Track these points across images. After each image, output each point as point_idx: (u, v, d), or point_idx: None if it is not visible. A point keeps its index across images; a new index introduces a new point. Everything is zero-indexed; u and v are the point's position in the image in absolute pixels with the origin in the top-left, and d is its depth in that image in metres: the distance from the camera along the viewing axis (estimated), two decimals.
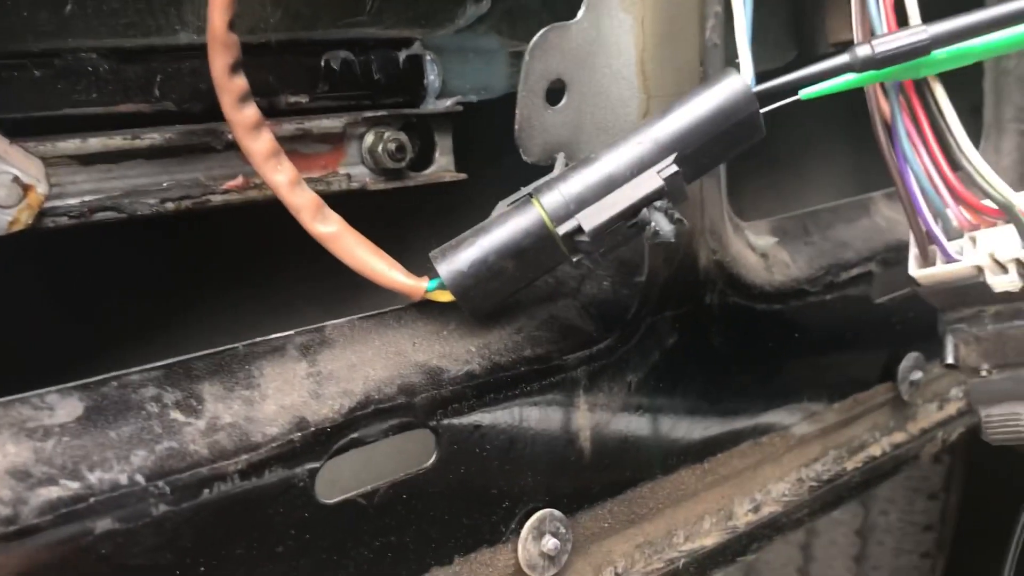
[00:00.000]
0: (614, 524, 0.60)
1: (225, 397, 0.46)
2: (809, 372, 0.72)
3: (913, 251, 0.58)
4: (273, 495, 0.45)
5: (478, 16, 0.61)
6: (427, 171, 0.61)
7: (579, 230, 0.49)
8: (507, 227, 0.50)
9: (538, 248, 0.50)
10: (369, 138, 0.58)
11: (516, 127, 0.53)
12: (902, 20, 0.52)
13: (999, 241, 0.54)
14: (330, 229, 0.50)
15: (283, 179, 0.48)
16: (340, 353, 0.50)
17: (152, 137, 0.50)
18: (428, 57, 0.60)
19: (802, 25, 0.83)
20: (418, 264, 0.52)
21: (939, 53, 0.49)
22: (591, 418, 0.57)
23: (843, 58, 0.49)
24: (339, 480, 0.50)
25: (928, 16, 0.50)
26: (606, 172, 0.49)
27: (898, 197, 0.55)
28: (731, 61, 0.51)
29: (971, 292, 0.56)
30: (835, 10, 0.78)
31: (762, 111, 0.50)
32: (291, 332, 0.49)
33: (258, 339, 0.48)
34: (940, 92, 0.52)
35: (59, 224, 0.48)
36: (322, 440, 0.47)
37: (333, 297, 0.64)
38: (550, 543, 0.56)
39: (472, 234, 0.51)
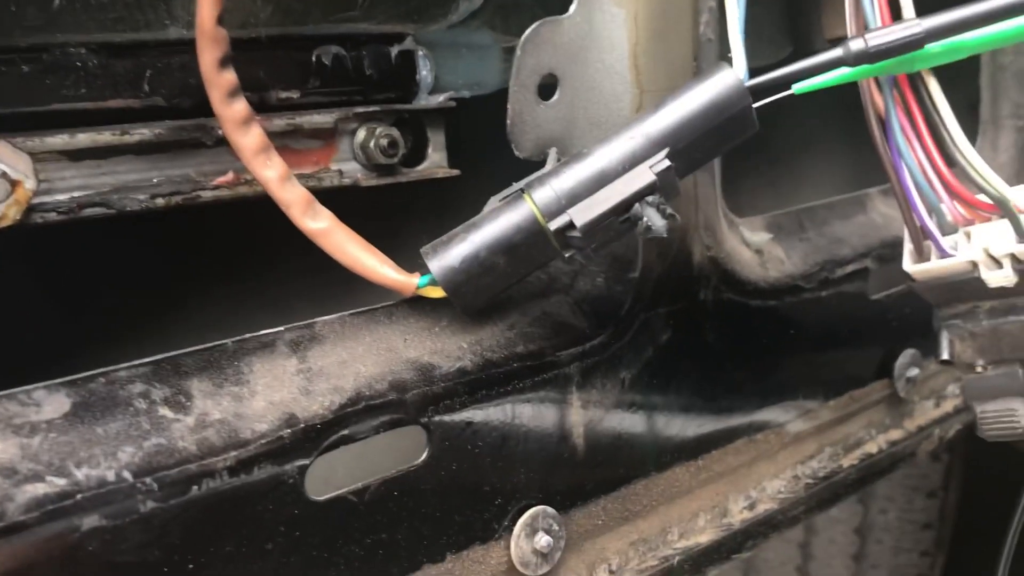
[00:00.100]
0: (608, 521, 0.60)
1: (214, 393, 0.45)
2: (804, 369, 0.72)
3: (908, 246, 0.58)
4: (262, 492, 0.45)
5: (471, 11, 0.60)
6: (420, 167, 0.61)
7: (571, 225, 0.49)
8: (498, 223, 0.50)
9: (530, 244, 0.50)
10: (361, 134, 0.58)
11: (508, 122, 0.53)
12: (896, 14, 0.52)
13: (994, 236, 0.53)
14: (320, 225, 0.49)
15: (273, 174, 0.48)
16: (330, 349, 0.49)
17: (141, 133, 0.50)
18: (420, 52, 0.60)
19: (798, 20, 0.82)
20: (411, 260, 0.52)
21: (933, 47, 0.49)
22: (584, 415, 0.57)
23: (836, 52, 0.49)
24: (332, 478, 0.50)
25: (923, 10, 0.50)
26: (598, 167, 0.49)
27: (892, 192, 0.55)
28: (725, 56, 0.51)
29: (966, 287, 0.56)
30: (831, 5, 0.77)
31: (755, 105, 0.50)
32: (281, 328, 0.49)
33: (247, 335, 0.48)
34: (934, 86, 0.52)
35: (48, 220, 0.48)
36: (312, 437, 0.46)
37: (325, 293, 0.64)
38: (543, 540, 0.55)
39: (463, 230, 0.51)
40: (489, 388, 0.53)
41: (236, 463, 0.44)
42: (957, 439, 0.86)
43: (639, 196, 0.48)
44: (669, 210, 0.48)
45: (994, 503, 1.14)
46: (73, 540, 0.40)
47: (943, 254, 0.55)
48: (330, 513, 0.47)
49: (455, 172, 0.62)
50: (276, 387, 0.47)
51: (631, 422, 0.60)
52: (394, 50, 0.59)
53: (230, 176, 0.53)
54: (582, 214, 0.48)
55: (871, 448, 0.78)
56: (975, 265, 0.54)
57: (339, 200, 0.53)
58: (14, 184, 0.46)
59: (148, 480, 0.42)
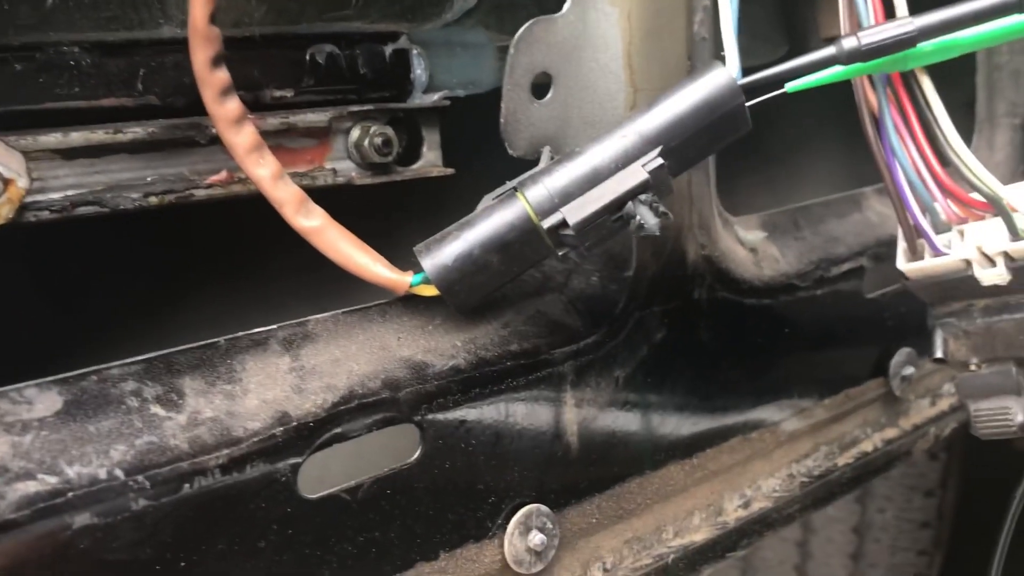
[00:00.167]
0: (602, 520, 0.60)
1: (206, 391, 0.45)
2: (799, 368, 0.72)
3: (901, 245, 0.58)
4: (255, 490, 0.45)
5: (465, 10, 0.60)
6: (414, 166, 0.61)
7: (564, 224, 0.49)
8: (492, 221, 0.50)
9: (523, 242, 0.50)
10: (355, 132, 0.58)
11: (502, 121, 0.53)
12: (890, 13, 0.52)
13: (987, 234, 0.53)
14: (313, 223, 0.49)
15: (265, 173, 0.48)
16: (323, 348, 0.49)
17: (135, 131, 0.50)
18: (415, 51, 0.60)
19: (794, 19, 0.82)
20: (406, 259, 0.52)
21: (926, 45, 0.49)
22: (578, 413, 0.57)
23: (829, 50, 0.49)
24: (327, 476, 0.50)
25: (917, 9, 0.50)
26: (591, 165, 0.49)
27: (886, 191, 0.55)
28: (720, 55, 0.51)
29: (960, 286, 0.56)
30: (826, 4, 0.77)
31: (748, 104, 0.50)
32: (274, 326, 0.49)
33: (240, 333, 0.48)
34: (928, 85, 0.52)
35: (41, 219, 0.48)
36: (304, 435, 0.46)
37: (319, 291, 0.64)
38: (537, 538, 0.55)
39: (457, 228, 0.51)
40: (483, 386, 0.53)
41: (228, 461, 0.44)
42: (953, 438, 0.86)
43: (632, 194, 0.48)
44: (662, 208, 0.48)
45: (992, 502, 1.13)
46: (65, 538, 0.40)
47: (937, 252, 0.55)
48: (323, 511, 0.47)
49: (450, 171, 0.62)
50: (269, 385, 0.47)
51: (625, 420, 0.60)
52: (388, 49, 0.59)
53: (224, 175, 0.53)
54: (575, 212, 0.48)
55: (867, 447, 0.78)
56: (969, 263, 0.54)
57: (334, 199, 0.53)
58: (7, 183, 0.46)
59: (140, 478, 0.42)
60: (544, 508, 0.56)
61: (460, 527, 0.53)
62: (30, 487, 0.39)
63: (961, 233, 0.55)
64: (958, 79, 0.88)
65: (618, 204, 0.48)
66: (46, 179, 0.48)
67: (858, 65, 0.49)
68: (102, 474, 0.41)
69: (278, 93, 0.55)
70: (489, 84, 0.64)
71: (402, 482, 0.50)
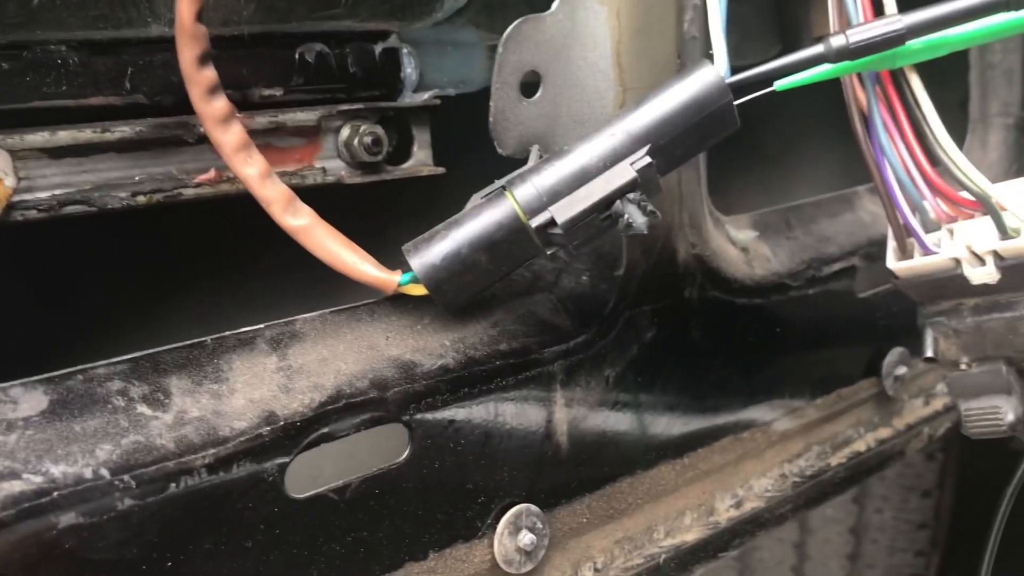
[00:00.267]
0: (592, 519, 0.60)
1: (193, 391, 0.45)
2: (791, 367, 0.72)
3: (891, 244, 0.58)
4: (241, 490, 0.45)
5: (456, 9, 0.60)
6: (405, 165, 0.61)
7: (552, 223, 0.49)
8: (480, 220, 0.50)
9: (511, 241, 0.50)
10: (345, 131, 0.58)
11: (491, 120, 0.53)
12: (879, 11, 0.52)
13: (976, 233, 0.53)
14: (301, 222, 0.49)
15: (253, 172, 0.48)
16: (311, 347, 0.49)
17: (123, 130, 0.50)
18: (405, 50, 0.60)
19: (786, 19, 0.82)
20: (397, 258, 0.52)
21: (914, 43, 0.49)
22: (568, 413, 0.57)
23: (817, 48, 0.49)
24: (320, 477, 0.50)
25: (906, 7, 0.50)
26: (579, 164, 0.49)
27: (875, 189, 0.55)
28: (709, 54, 0.51)
29: (950, 285, 0.56)
30: (818, 3, 0.77)
31: (737, 103, 0.50)
32: (261, 326, 0.49)
33: (227, 332, 0.48)
34: (917, 83, 0.52)
35: (28, 218, 0.48)
36: (292, 434, 0.46)
37: (309, 290, 0.64)
38: (527, 538, 0.55)
39: (445, 227, 0.50)
40: (472, 386, 0.53)
41: (215, 461, 0.44)
42: (949, 438, 0.86)
43: (620, 193, 0.48)
44: (650, 207, 0.48)
45: (989, 503, 1.13)
46: (50, 538, 0.39)
47: (926, 251, 0.55)
48: (310, 511, 0.47)
49: (440, 170, 0.62)
50: (256, 384, 0.47)
51: (616, 420, 0.60)
52: (378, 48, 0.59)
53: (212, 174, 0.53)
54: (563, 211, 0.48)
55: (859, 446, 0.78)
56: (958, 262, 0.54)
57: (324, 198, 0.53)
58: None
59: (126, 477, 0.41)
60: (534, 508, 0.56)
61: (449, 527, 0.53)
62: (15, 487, 0.39)
63: (951, 232, 0.55)
64: (951, 78, 0.88)
65: (606, 203, 0.48)
66: (33, 178, 0.48)
67: (846, 63, 0.49)
68: (88, 473, 0.41)
69: (267, 92, 0.55)
70: (480, 83, 0.64)
71: (390, 482, 0.50)
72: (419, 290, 0.51)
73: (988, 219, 0.53)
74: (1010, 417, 0.56)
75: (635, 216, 0.48)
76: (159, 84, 0.51)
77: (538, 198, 0.49)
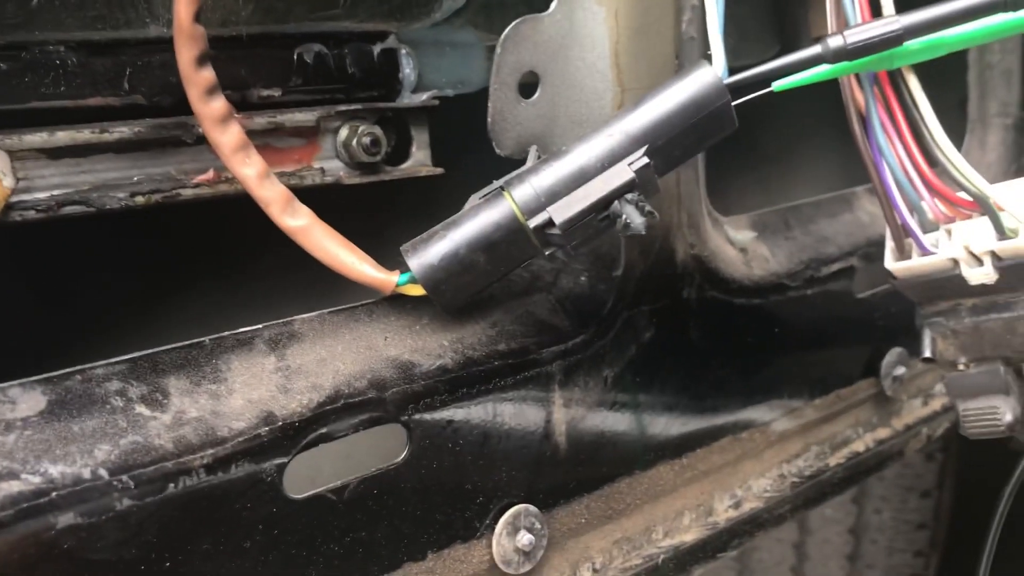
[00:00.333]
0: (591, 520, 0.60)
1: (191, 391, 0.45)
2: (790, 367, 0.72)
3: (889, 244, 0.58)
4: (240, 490, 0.45)
5: (454, 10, 0.60)
6: (403, 165, 0.61)
7: (550, 223, 0.49)
8: (478, 220, 0.50)
9: (509, 241, 0.50)
10: (343, 132, 0.58)
11: (489, 120, 0.53)
12: (877, 11, 0.52)
13: (974, 233, 0.53)
14: (299, 223, 0.49)
15: (251, 172, 0.48)
16: (309, 347, 0.49)
17: (121, 131, 0.50)
18: (403, 51, 0.60)
19: (785, 19, 0.82)
20: (396, 258, 0.52)
21: (912, 44, 0.49)
22: (566, 413, 0.57)
23: (815, 49, 0.49)
24: (318, 477, 0.50)
25: (905, 7, 0.50)
26: (577, 165, 0.49)
27: (874, 190, 0.55)
28: (708, 54, 0.51)
29: (947, 285, 0.56)
30: (817, 3, 0.77)
31: (734, 103, 0.50)
32: (259, 326, 0.49)
33: (225, 333, 0.48)
34: (914, 83, 0.52)
35: (26, 218, 0.48)
36: (290, 435, 0.46)
37: (308, 290, 0.64)
38: (525, 539, 0.55)
39: (443, 227, 0.51)
40: (470, 386, 0.53)
41: (213, 461, 0.44)
42: (948, 438, 0.86)
43: (618, 194, 0.48)
44: (648, 207, 0.48)
45: (988, 503, 1.13)
46: (48, 538, 0.40)
47: (924, 252, 0.55)
48: (309, 511, 0.47)
49: (439, 170, 0.62)
50: (254, 385, 0.47)
51: (614, 420, 0.60)
52: (377, 48, 0.59)
53: (210, 174, 0.53)
54: (561, 212, 0.48)
55: (858, 447, 0.78)
56: (956, 262, 0.54)
57: (323, 198, 0.53)
58: None
59: (124, 478, 0.41)
60: (532, 508, 0.56)
61: (448, 527, 0.53)
62: (13, 487, 0.39)
63: (948, 232, 0.55)
64: (951, 79, 0.88)
65: (604, 203, 0.48)
66: (32, 179, 0.48)
67: (844, 64, 0.49)
68: (86, 474, 0.41)
69: (266, 92, 0.55)
70: (478, 83, 0.64)
71: (389, 482, 0.50)
72: (417, 290, 0.51)
73: (986, 219, 0.53)
74: (1008, 417, 0.56)
75: (633, 217, 0.48)
76: (157, 85, 0.51)
77: (536, 199, 0.49)
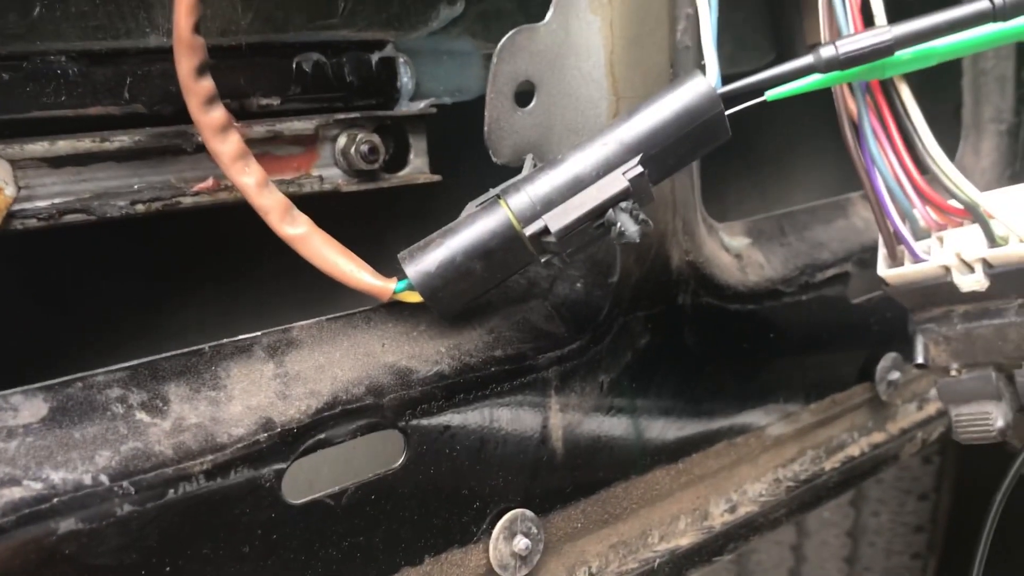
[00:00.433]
0: (587, 524, 0.61)
1: (191, 398, 0.46)
2: (785, 373, 0.72)
3: (882, 251, 0.58)
4: (239, 496, 0.45)
5: (452, 18, 0.61)
6: (401, 173, 0.62)
7: (546, 231, 0.49)
8: (475, 228, 0.50)
9: (506, 249, 0.50)
10: (342, 140, 0.58)
11: (485, 129, 0.53)
12: (869, 21, 0.53)
13: (965, 241, 0.54)
14: (298, 231, 0.50)
15: (251, 181, 0.49)
16: (308, 354, 0.50)
17: (122, 139, 0.51)
18: (401, 59, 0.60)
19: (780, 28, 0.83)
20: (393, 265, 0.52)
21: (903, 54, 0.49)
22: (563, 418, 0.58)
23: (808, 59, 0.50)
24: (317, 482, 0.50)
25: (899, 17, 0.51)
26: (572, 173, 0.50)
27: (866, 197, 0.55)
28: (701, 64, 0.52)
29: (939, 292, 0.56)
30: (812, 12, 0.78)
31: (728, 112, 0.50)
32: (258, 333, 0.49)
33: (224, 340, 0.48)
34: (906, 92, 0.53)
35: (28, 226, 0.48)
36: (289, 441, 0.47)
37: (307, 297, 0.64)
38: (521, 543, 0.56)
39: (440, 235, 0.51)
40: (467, 392, 0.53)
41: (213, 467, 0.44)
42: (942, 441, 0.86)
43: (612, 202, 0.49)
44: (642, 216, 0.49)
45: (985, 506, 1.14)
46: (50, 543, 0.40)
47: (916, 259, 0.56)
48: (307, 517, 0.48)
49: (436, 178, 0.62)
50: (253, 391, 0.47)
51: (610, 425, 0.60)
52: (375, 57, 0.59)
53: (210, 182, 0.53)
54: (556, 220, 0.49)
55: (853, 451, 0.78)
56: (948, 269, 0.55)
57: (321, 206, 0.54)
58: None
59: (125, 484, 0.42)
60: (529, 513, 0.56)
61: (445, 532, 0.53)
62: (15, 493, 0.40)
63: (940, 239, 0.55)
64: (945, 85, 0.89)
65: (599, 212, 0.49)
66: (33, 187, 0.49)
67: (836, 73, 0.50)
68: (87, 480, 0.41)
69: (265, 101, 0.56)
70: (475, 92, 0.64)
71: (387, 487, 0.50)
72: (415, 297, 0.51)
73: (977, 227, 0.53)
74: (999, 423, 0.57)
75: (627, 225, 0.48)
76: (157, 94, 0.52)
77: (532, 207, 0.50)
